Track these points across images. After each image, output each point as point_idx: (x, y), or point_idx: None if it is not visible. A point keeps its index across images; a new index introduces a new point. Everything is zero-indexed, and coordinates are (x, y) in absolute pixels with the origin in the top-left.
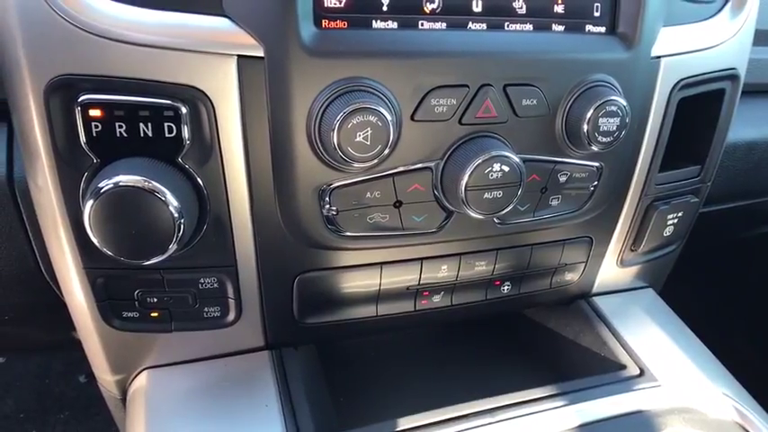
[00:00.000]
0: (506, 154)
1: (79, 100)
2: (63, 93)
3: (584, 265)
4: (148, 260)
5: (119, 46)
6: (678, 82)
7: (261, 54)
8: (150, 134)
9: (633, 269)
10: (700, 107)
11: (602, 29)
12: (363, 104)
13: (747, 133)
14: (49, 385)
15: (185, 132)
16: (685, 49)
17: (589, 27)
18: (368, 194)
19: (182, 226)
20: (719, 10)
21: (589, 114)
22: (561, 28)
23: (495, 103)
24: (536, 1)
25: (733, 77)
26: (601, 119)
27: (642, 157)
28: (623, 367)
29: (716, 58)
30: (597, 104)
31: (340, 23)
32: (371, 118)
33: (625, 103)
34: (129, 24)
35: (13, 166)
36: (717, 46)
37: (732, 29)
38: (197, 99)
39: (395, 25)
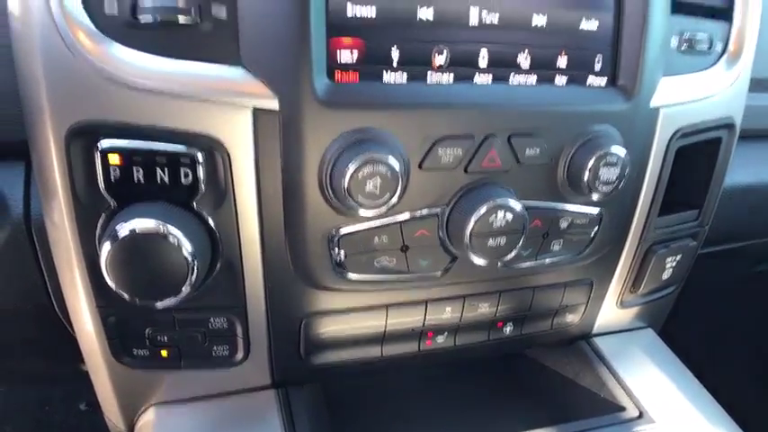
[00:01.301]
0: (510, 203)
1: (99, 145)
2: (84, 138)
3: (584, 306)
4: (161, 302)
5: (140, 94)
6: (677, 131)
7: (275, 106)
8: (167, 180)
9: (633, 310)
10: (697, 154)
11: (603, 81)
12: (374, 155)
13: (743, 177)
14: (48, 413)
15: (201, 178)
16: (683, 99)
17: (590, 79)
18: (375, 240)
19: (195, 270)
20: (716, 61)
21: (590, 164)
22: (564, 80)
23: (500, 153)
24: (540, 55)
25: (729, 126)
26: (601, 168)
27: (641, 203)
28: (622, 409)
29: (713, 108)
30: (598, 155)
31: (352, 76)
32: (381, 168)
33: (625, 154)
34: (150, 73)
35: (30, 204)
36: (714, 96)
37: (728, 79)
38: (213, 147)
39: (404, 78)
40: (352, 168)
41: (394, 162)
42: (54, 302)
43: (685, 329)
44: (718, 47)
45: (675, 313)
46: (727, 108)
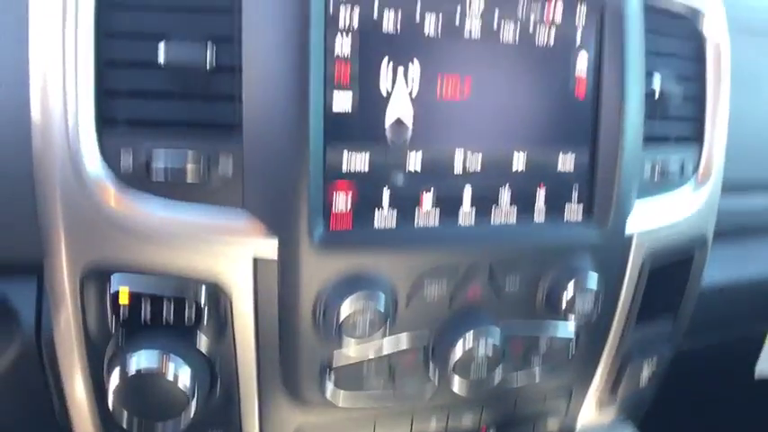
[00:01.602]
0: (490, 333)
1: (110, 285)
2: (96, 278)
3: (564, 411)
4: (162, 428)
5: (150, 240)
6: (650, 254)
7: (274, 254)
8: (171, 318)
9: (612, 409)
10: (671, 267)
11: (579, 212)
12: (364, 294)
13: (716, 276)
14: None
15: (204, 316)
16: (656, 223)
17: (567, 211)
18: (364, 369)
19: (195, 400)
20: (688, 182)
21: (567, 294)
22: (542, 213)
23: (482, 286)
24: (519, 191)
25: (702, 243)
26: (578, 296)
27: (617, 320)
28: None
29: (686, 228)
30: (574, 285)
31: (346, 219)
32: (371, 305)
33: (600, 283)
34: (160, 222)
35: (41, 320)
36: (686, 218)
37: (700, 199)
38: (216, 290)
39: (394, 221)
40: (344, 307)
41: (383, 300)
42: (59, 422)
43: (667, 420)
44: (689, 168)
45: (657, 405)
46: (699, 227)
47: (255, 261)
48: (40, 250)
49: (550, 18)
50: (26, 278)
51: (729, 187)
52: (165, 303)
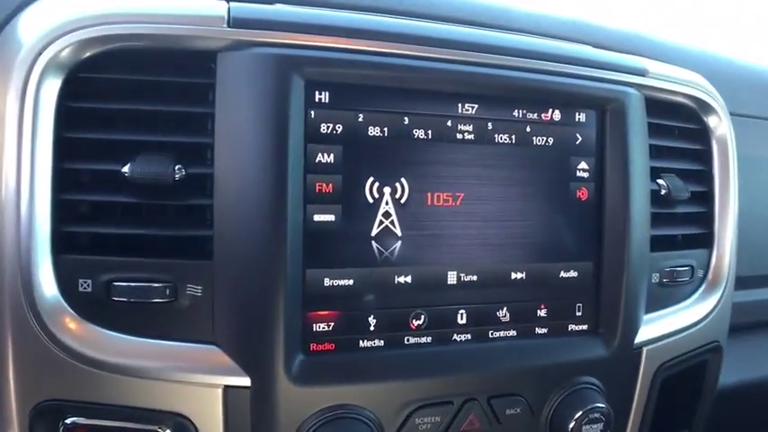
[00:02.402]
0: None
1: (65, 422)
2: (49, 416)
3: None
4: None
5: (108, 373)
6: (661, 365)
7: (247, 383)
8: None
9: None
10: (683, 376)
11: (584, 328)
12: None
13: (730, 378)
14: None
15: None
16: (666, 332)
17: (571, 328)
18: None
19: None
20: (698, 287)
21: (572, 424)
22: (544, 331)
23: (480, 417)
24: (519, 308)
25: (715, 349)
26: (584, 426)
27: None
28: None
29: (697, 336)
30: (580, 413)
31: (328, 346)
32: None
33: (609, 409)
34: (119, 354)
35: None
36: (697, 324)
37: (711, 305)
38: (182, 425)
39: (381, 343)
40: None
41: None
42: None
43: None
44: (699, 273)
45: None
46: (712, 333)
47: (226, 389)
48: None
49: (549, 117)
50: None
51: (741, 284)
52: None
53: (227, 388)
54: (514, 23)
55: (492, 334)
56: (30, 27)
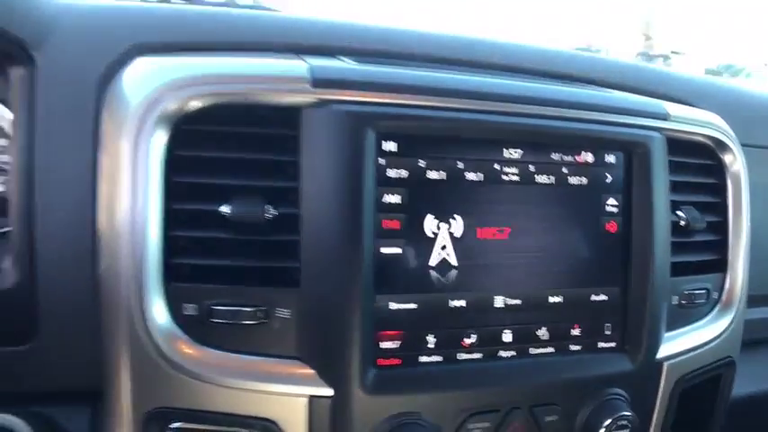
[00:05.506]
0: None
1: (170, 427)
2: (157, 421)
3: None
4: None
5: (208, 385)
6: (679, 379)
7: (329, 393)
8: None
9: None
10: (698, 389)
11: (613, 345)
12: None
13: (742, 390)
14: None
15: None
16: (684, 349)
17: (601, 345)
18: None
19: None
20: (713, 308)
21: (602, 430)
22: (578, 348)
23: (523, 423)
24: (556, 328)
25: (729, 363)
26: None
27: None
28: None
29: (713, 351)
30: (609, 420)
31: (395, 360)
32: None
33: (634, 417)
34: (218, 369)
35: None
36: (713, 341)
37: (725, 324)
38: (270, 428)
39: (439, 359)
40: None
41: None
42: None
43: None
44: (715, 295)
45: None
46: (726, 349)
47: (311, 399)
48: (96, 381)
49: (582, 159)
50: (80, 407)
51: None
52: None
53: (311, 397)
54: (548, 66)
55: (532, 351)
56: (139, 83)
